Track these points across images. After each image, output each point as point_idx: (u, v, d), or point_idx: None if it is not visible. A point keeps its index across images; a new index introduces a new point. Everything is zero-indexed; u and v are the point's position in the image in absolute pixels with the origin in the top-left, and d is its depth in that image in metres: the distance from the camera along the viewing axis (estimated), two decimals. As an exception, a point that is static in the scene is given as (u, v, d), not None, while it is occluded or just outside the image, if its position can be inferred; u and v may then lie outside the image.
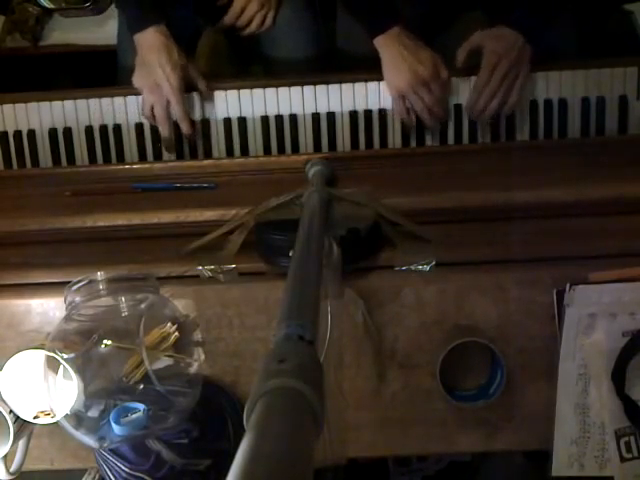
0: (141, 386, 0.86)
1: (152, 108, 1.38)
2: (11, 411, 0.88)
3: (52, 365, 0.86)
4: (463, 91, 1.39)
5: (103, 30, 1.89)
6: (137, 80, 1.40)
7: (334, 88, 1.40)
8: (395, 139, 1.42)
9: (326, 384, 0.48)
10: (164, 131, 1.39)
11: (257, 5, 1.47)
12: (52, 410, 0.86)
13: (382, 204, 1.01)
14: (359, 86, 1.41)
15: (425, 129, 1.41)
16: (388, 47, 1.36)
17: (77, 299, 0.90)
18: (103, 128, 1.42)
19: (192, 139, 1.41)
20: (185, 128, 1.39)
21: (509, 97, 1.36)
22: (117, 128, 1.42)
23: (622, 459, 0.93)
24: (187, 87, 1.40)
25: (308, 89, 1.40)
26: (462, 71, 1.38)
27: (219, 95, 1.41)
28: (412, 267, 0.94)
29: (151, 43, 1.37)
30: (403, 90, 1.36)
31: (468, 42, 1.37)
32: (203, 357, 0.93)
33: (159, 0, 1.39)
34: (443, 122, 1.40)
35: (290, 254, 0.74)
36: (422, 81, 1.35)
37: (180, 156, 1.42)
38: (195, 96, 1.41)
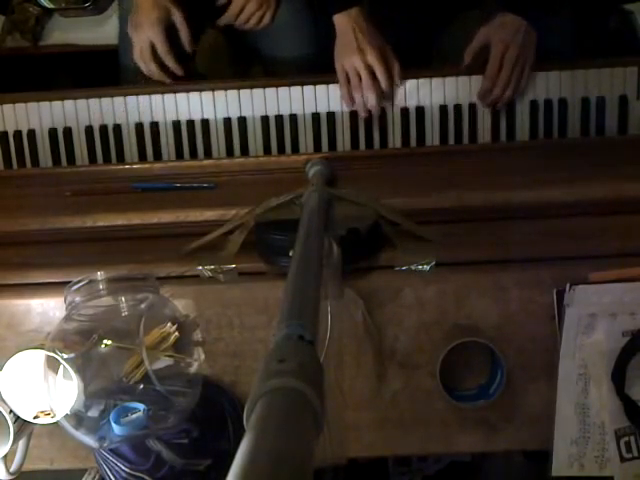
0: (141, 386, 0.86)
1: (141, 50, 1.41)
2: (11, 411, 0.88)
3: (52, 365, 0.86)
4: (461, 91, 1.39)
5: (103, 30, 1.89)
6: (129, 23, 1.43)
7: (334, 88, 1.40)
8: (395, 139, 1.42)
9: (326, 384, 0.48)
10: (146, 71, 1.41)
11: (256, 4, 1.47)
12: (52, 410, 0.86)
13: (382, 204, 1.01)
14: (359, 86, 1.40)
15: (423, 127, 1.41)
16: (344, 25, 1.38)
17: (77, 299, 0.90)
18: (103, 128, 1.42)
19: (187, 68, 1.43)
20: (171, 66, 1.41)
21: (520, 83, 1.36)
22: (117, 128, 1.42)
23: (622, 459, 0.93)
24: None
25: (308, 89, 1.40)
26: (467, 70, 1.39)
27: (219, 95, 1.41)
28: (412, 267, 0.94)
29: None
30: (346, 66, 1.37)
31: (475, 41, 1.36)
32: (203, 357, 0.93)
33: None
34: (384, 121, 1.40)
35: (290, 254, 0.74)
36: (365, 62, 1.36)
37: (180, 156, 1.42)
38: (195, 96, 1.41)
